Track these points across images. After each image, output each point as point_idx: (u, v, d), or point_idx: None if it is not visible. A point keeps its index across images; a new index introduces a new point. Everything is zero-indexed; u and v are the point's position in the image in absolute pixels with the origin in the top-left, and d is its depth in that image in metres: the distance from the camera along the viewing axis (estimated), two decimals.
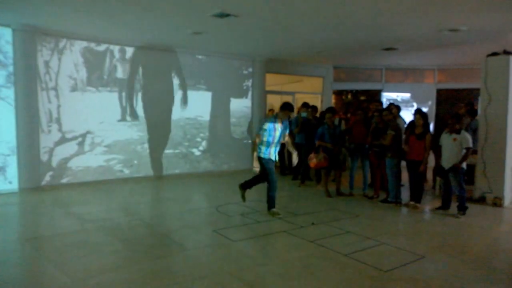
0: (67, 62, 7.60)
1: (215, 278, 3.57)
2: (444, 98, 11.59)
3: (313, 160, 6.91)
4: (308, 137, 8.06)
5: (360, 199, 6.95)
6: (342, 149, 7.41)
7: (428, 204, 6.57)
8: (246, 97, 10.19)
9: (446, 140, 5.98)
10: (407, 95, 11.70)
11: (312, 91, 11.73)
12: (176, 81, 9.01)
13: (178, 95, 9.05)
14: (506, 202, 6.51)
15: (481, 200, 6.60)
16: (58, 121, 7.58)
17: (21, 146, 7.11)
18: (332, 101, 11.79)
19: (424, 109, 9.48)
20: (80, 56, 7.73)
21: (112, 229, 5.01)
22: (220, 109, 9.77)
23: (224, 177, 9.07)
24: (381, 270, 3.78)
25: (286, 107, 5.75)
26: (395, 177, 6.44)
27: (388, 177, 6.50)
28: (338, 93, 12.23)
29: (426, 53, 9.39)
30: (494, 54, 6.53)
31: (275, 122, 5.72)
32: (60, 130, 7.61)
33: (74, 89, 7.71)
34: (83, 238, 4.66)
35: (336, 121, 8.09)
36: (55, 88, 7.51)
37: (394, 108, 7.54)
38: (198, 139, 9.48)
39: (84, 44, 7.75)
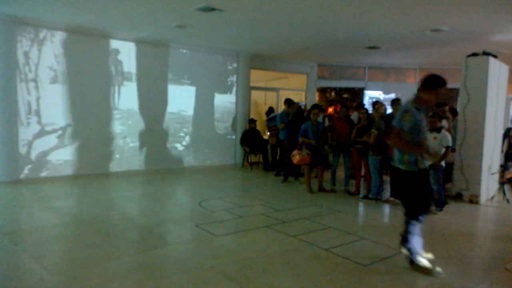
0: (48, 53, 7.43)
1: (197, 272, 3.57)
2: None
3: (296, 157, 6.97)
4: (290, 133, 8.02)
5: (342, 195, 7.04)
6: (325, 146, 7.48)
7: None
8: (231, 93, 10.17)
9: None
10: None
11: (296, 88, 11.80)
12: (160, 75, 8.92)
13: (162, 89, 8.97)
14: (483, 199, 6.69)
15: (458, 197, 6.77)
16: (38, 113, 7.42)
17: None
18: (316, 98, 11.89)
19: None
20: (60, 47, 7.57)
21: (92, 223, 4.95)
22: (204, 104, 9.72)
23: (207, 173, 9.05)
24: (361, 264, 3.85)
25: (438, 82, 3.68)
26: (379, 175, 6.55)
27: (372, 175, 6.60)
28: (322, 91, 12.33)
29: (408, 53, 9.55)
30: (474, 54, 6.67)
31: (419, 110, 3.71)
32: (39, 122, 7.45)
33: (54, 81, 7.55)
34: (62, 232, 4.59)
35: (320, 118, 8.14)
36: (34, 80, 7.33)
37: (380, 106, 7.62)
38: (181, 134, 9.42)
39: (65, 35, 7.59)
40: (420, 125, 3.69)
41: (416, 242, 3.70)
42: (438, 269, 3.62)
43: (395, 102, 7.62)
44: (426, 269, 3.62)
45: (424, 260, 3.69)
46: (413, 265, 3.68)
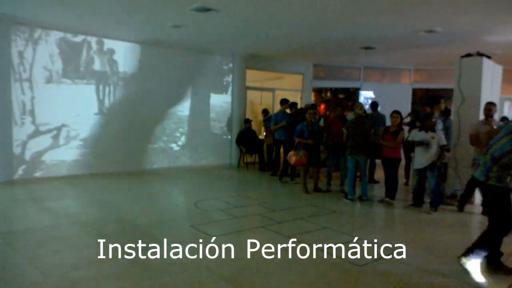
0: (42, 53, 7.39)
1: (193, 273, 3.57)
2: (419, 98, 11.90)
3: (293, 158, 6.97)
4: (291, 133, 7.98)
5: (337, 195, 7.06)
6: (321, 146, 7.49)
7: (402, 201, 6.74)
8: (226, 93, 10.16)
9: (423, 138, 6.12)
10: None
11: (292, 88, 11.81)
12: (155, 75, 8.89)
13: (158, 89, 8.94)
14: (477, 199, 6.73)
15: (453, 197, 6.80)
16: (32, 113, 7.37)
17: None
18: (311, 98, 11.91)
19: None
20: (55, 47, 7.53)
21: (87, 224, 4.93)
22: (199, 104, 9.71)
23: (202, 173, 9.04)
24: (356, 265, 3.86)
25: None
26: (351, 173, 6.65)
27: (347, 171, 6.70)
28: (318, 91, 12.36)
29: (403, 53, 9.59)
30: (468, 55, 6.71)
31: None
32: (33, 122, 7.40)
33: (49, 80, 7.50)
34: (57, 233, 4.57)
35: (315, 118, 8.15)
36: (29, 80, 7.29)
37: (357, 106, 7.65)
38: (177, 134, 9.41)
39: (60, 34, 7.55)
40: None
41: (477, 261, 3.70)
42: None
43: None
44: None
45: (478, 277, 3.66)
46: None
